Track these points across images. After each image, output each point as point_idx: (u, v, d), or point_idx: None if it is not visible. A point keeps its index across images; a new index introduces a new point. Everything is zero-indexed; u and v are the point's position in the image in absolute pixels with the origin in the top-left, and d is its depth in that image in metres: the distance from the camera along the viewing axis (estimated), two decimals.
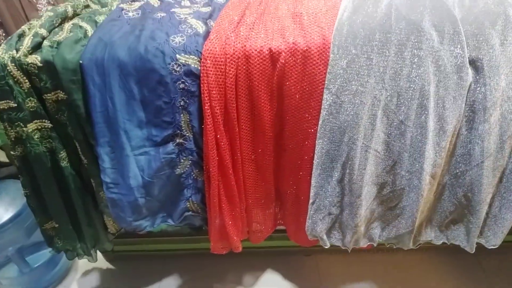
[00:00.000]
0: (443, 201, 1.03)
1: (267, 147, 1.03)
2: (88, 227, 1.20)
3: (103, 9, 1.11)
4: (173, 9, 1.02)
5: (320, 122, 0.94)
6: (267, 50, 0.90)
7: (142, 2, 1.06)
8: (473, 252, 1.07)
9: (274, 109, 0.98)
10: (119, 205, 1.07)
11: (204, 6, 1.07)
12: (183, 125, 0.98)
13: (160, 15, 1.00)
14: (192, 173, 1.05)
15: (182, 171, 1.04)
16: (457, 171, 0.97)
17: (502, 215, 1.02)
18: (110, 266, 1.50)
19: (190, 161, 1.03)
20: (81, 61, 0.92)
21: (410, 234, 1.07)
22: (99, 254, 1.45)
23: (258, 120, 0.98)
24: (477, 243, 1.08)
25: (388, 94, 0.89)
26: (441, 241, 1.12)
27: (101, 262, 1.50)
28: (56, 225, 1.18)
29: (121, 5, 1.04)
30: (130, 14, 1.02)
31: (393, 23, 0.87)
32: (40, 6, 1.45)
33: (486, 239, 1.07)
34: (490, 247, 1.06)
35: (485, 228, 1.06)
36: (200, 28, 0.95)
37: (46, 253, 1.43)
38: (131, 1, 1.06)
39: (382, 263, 1.43)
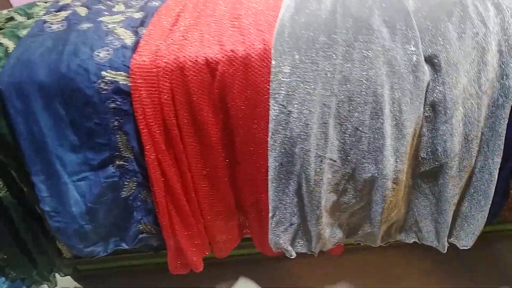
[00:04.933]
0: (411, 202, 0.97)
1: (219, 161, 0.95)
2: (40, 255, 1.12)
3: (29, 21, 1.00)
4: (100, 18, 0.91)
5: (269, 134, 0.85)
6: (203, 60, 0.81)
7: (69, 12, 0.95)
8: (445, 251, 1.02)
9: (220, 121, 0.89)
10: (65, 233, 0.99)
11: (138, 11, 0.96)
12: (121, 146, 0.89)
13: (86, 26, 0.89)
14: (139, 195, 0.97)
15: (129, 194, 0.96)
16: (421, 171, 0.90)
17: (472, 215, 0.96)
18: (78, 285, 1.44)
19: (136, 183, 0.95)
20: None
21: (377, 234, 1.01)
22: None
23: (205, 135, 0.90)
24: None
25: (338, 100, 0.81)
26: (412, 241, 1.06)
27: (68, 282, 1.43)
28: (5, 256, 1.10)
29: (44, 17, 0.93)
30: (54, 27, 0.91)
31: (339, 21, 0.78)
32: None
33: (458, 239, 1.01)
34: (462, 247, 1.01)
35: (457, 228, 1.00)
36: (129, 38, 0.85)
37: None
38: (56, 12, 0.95)
39: (359, 262, 1.38)
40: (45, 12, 0.98)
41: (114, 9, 0.99)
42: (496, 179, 0.90)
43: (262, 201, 1.00)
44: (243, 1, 0.90)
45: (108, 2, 1.02)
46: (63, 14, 0.95)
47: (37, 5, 1.03)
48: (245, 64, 0.81)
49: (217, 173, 0.97)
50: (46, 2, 1.03)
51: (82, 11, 0.95)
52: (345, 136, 0.85)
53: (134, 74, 0.81)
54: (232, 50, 0.81)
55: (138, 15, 0.94)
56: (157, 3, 0.98)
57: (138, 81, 0.81)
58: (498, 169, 0.89)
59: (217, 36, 0.83)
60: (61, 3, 0.99)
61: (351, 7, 0.79)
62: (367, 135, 0.83)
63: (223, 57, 0.81)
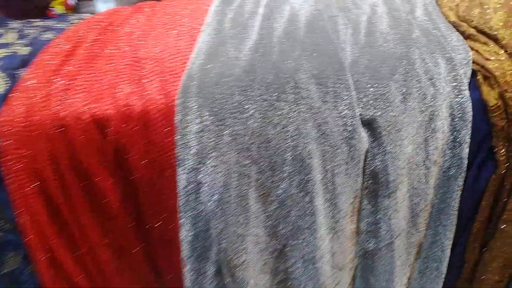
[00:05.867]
0: (356, 284, 0.83)
1: (124, 228, 0.78)
2: None
3: None
4: None
5: (179, 207, 0.70)
6: (89, 118, 0.64)
7: None
8: None
9: (120, 187, 0.72)
10: None
11: (27, 45, 0.78)
12: None
13: None
14: (26, 269, 0.79)
15: (13, 268, 0.79)
16: (364, 251, 0.76)
17: None
18: None
19: (21, 256, 0.77)
20: None
21: None
22: None
23: (102, 201, 0.73)
24: None
25: (259, 168, 0.66)
26: None
27: None
28: None
29: None
30: None
31: (258, 75, 0.63)
32: None
33: None
34: None
35: None
36: (3, 84, 0.68)
37: None
38: None
39: None
40: None
41: (1, 40, 0.81)
42: (449, 255, 0.77)
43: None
44: (148, 42, 0.73)
45: None
46: None
47: None
48: (144, 122, 0.65)
49: (124, 241, 0.80)
50: None
51: None
52: (270, 209, 0.70)
53: (2, 132, 0.64)
54: (127, 105, 0.65)
55: (25, 51, 0.76)
56: (50, 35, 0.80)
57: (7, 141, 0.64)
58: (451, 245, 0.76)
59: (110, 85, 0.67)
60: None
61: (273, 57, 0.64)
62: (295, 210, 0.69)
63: (115, 112, 0.64)
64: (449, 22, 0.69)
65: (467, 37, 0.66)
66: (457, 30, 0.68)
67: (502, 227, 0.75)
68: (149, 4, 0.85)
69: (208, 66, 0.65)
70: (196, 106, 0.63)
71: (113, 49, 0.73)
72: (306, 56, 0.64)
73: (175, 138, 0.65)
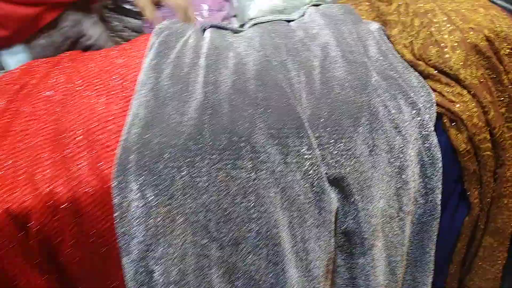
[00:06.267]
0: None
1: None
2: None
3: None
4: None
5: None
6: (3, 213, 0.52)
7: None
8: None
9: (55, 282, 0.60)
10: None
11: None
12: None
13: None
14: None
15: None
16: None
17: None
18: None
19: None
20: None
21: None
22: None
23: None
24: None
25: (221, 245, 0.57)
26: None
27: None
28: None
29: None
30: None
31: (208, 141, 0.54)
32: None
33: None
34: None
35: None
36: None
37: None
38: None
39: None
40: None
41: None
42: None
43: None
44: (72, 109, 0.61)
45: None
46: None
47: None
48: (74, 210, 0.54)
49: None
50: None
51: None
52: (237, 286, 0.61)
53: None
54: (50, 192, 0.53)
55: None
56: None
57: None
58: None
59: (27, 168, 0.55)
60: None
61: (224, 118, 0.56)
62: (266, 284, 0.60)
63: (37, 203, 0.53)
64: (405, 61, 0.65)
65: (426, 76, 0.62)
66: (415, 70, 0.64)
67: (479, 263, 0.72)
68: (70, 56, 0.74)
69: (148, 135, 0.55)
70: (137, 186, 0.53)
71: (28, 120, 0.61)
72: (260, 114, 0.56)
73: (115, 225, 0.54)
